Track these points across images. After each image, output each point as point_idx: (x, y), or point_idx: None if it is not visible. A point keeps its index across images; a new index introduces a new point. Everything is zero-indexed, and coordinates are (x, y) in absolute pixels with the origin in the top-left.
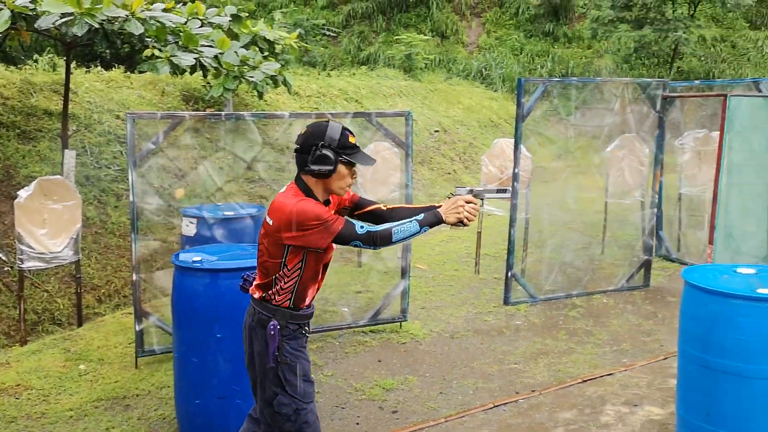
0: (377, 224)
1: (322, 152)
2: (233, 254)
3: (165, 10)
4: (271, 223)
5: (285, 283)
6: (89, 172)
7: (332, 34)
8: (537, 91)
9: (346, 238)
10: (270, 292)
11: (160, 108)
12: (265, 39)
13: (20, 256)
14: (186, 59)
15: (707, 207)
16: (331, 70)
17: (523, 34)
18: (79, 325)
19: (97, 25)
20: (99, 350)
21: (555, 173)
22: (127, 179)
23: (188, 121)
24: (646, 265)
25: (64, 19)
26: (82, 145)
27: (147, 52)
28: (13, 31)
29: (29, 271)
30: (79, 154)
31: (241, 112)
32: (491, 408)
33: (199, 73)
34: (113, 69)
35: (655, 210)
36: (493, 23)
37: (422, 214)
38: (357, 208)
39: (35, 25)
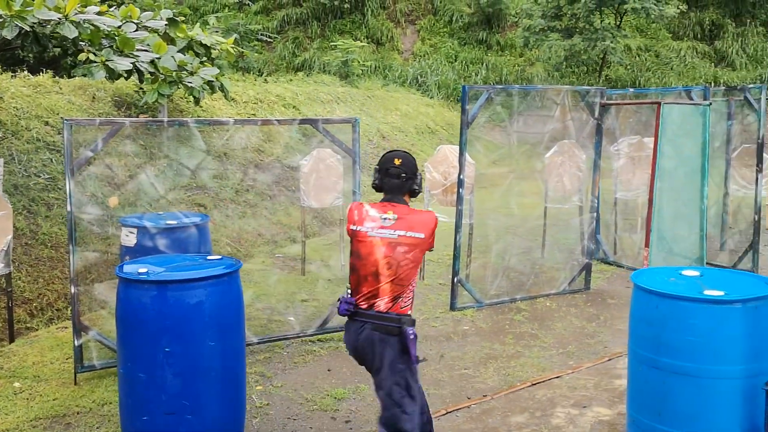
0: None
1: (419, 177)
2: (181, 265)
3: (98, 14)
4: (423, 236)
5: (411, 291)
6: (17, 180)
7: (268, 39)
8: (481, 98)
9: None
10: (399, 302)
11: (91, 114)
12: (201, 44)
13: None
14: (122, 64)
15: (641, 211)
16: (267, 75)
17: (458, 41)
18: (11, 340)
19: (28, 28)
20: (34, 367)
21: (498, 179)
22: (60, 188)
23: (128, 128)
24: (587, 269)
25: None
26: (10, 152)
27: (82, 56)
28: None
29: None
30: (6, 162)
31: (185, 119)
32: (444, 414)
33: (131, 79)
34: (41, 74)
35: (595, 214)
36: (427, 30)
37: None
38: None
39: None
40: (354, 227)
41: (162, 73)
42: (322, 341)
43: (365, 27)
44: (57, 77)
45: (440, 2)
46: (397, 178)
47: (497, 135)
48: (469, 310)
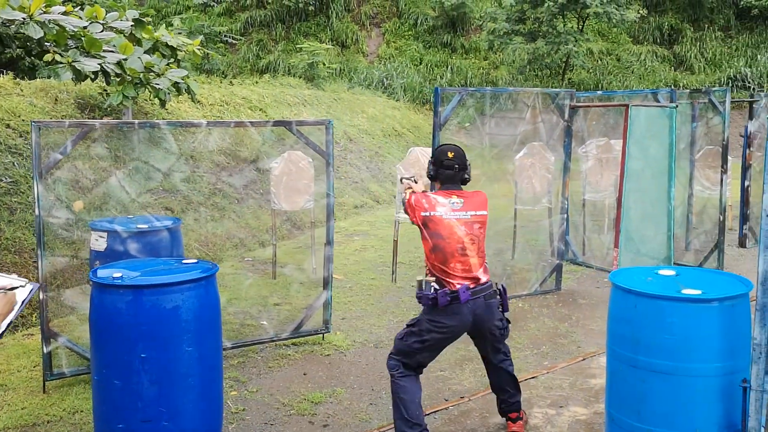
0: None
1: (469, 168)
2: (156, 269)
3: (64, 14)
4: (486, 212)
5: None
6: None
7: (233, 41)
8: (453, 100)
9: None
10: (487, 269)
11: (54, 116)
12: (167, 45)
13: None
14: (89, 65)
15: (609, 212)
16: (232, 78)
17: (422, 44)
18: None
19: None
20: (1, 375)
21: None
22: (23, 192)
23: (98, 130)
24: (558, 269)
25: None
26: None
27: (47, 57)
28: None
29: None
30: None
31: (157, 120)
32: None
33: (95, 81)
34: (1, 75)
35: (565, 216)
36: (392, 33)
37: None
38: None
39: None
40: (427, 213)
41: (129, 75)
42: (296, 345)
43: (330, 29)
44: (17, 79)
45: (405, 5)
46: (451, 169)
47: (468, 137)
48: None
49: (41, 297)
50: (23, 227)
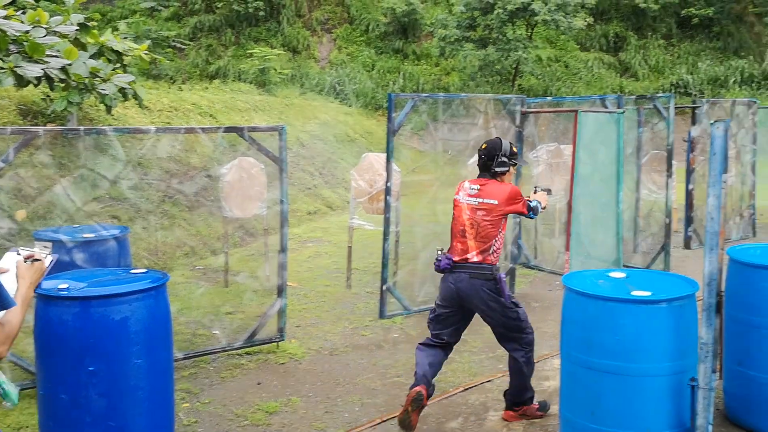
0: None
1: (498, 160)
2: (103, 280)
3: (5, 18)
4: (496, 202)
5: (497, 246)
6: None
7: (181, 46)
8: (407, 105)
9: (532, 208)
10: (487, 255)
11: None
12: (113, 50)
13: None
14: (32, 70)
15: (560, 216)
16: (182, 83)
17: (374, 50)
18: None
19: None
20: None
21: (423, 186)
22: None
23: (42, 137)
24: (512, 273)
25: None
26: None
27: None
28: None
29: None
30: None
31: (103, 127)
32: (379, 423)
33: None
34: None
35: (518, 220)
36: (344, 39)
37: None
38: None
39: None
40: (456, 196)
41: (74, 80)
42: (250, 354)
43: (281, 35)
44: None
45: (356, 11)
46: (480, 160)
47: (422, 143)
48: (399, 318)
49: None
50: None
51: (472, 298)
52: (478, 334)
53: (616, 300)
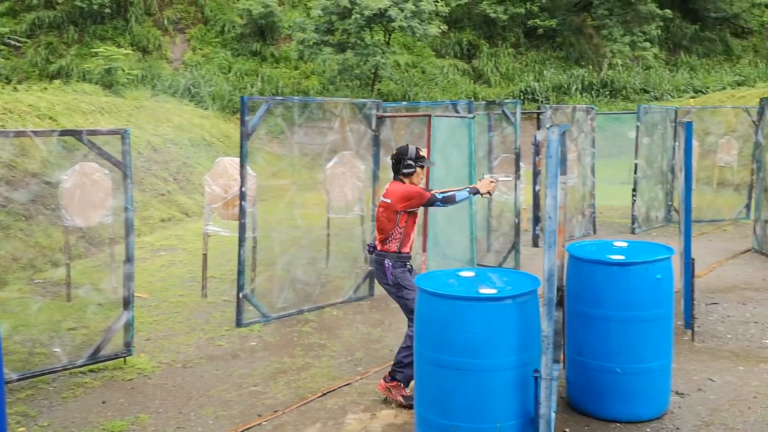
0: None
1: (404, 163)
2: None
3: None
4: (389, 201)
5: (394, 238)
6: None
7: (17, 44)
8: (260, 109)
9: (431, 201)
10: (385, 245)
11: None
12: None
13: None
14: None
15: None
16: (17, 83)
17: (231, 52)
18: None
19: None
20: None
21: (280, 191)
22: None
23: None
24: (370, 276)
25: None
26: None
27: None
28: None
29: None
30: None
31: None
32: None
33: None
34: None
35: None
36: (198, 40)
37: (467, 188)
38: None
39: None
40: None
41: None
42: (94, 371)
43: (129, 34)
44: None
45: (211, 11)
46: (392, 164)
47: (278, 146)
48: (257, 325)
49: None
50: None
51: (378, 278)
52: (338, 338)
53: (464, 299)
